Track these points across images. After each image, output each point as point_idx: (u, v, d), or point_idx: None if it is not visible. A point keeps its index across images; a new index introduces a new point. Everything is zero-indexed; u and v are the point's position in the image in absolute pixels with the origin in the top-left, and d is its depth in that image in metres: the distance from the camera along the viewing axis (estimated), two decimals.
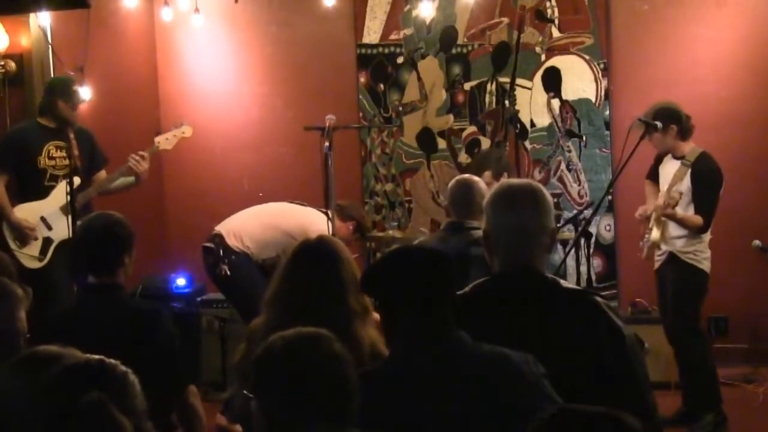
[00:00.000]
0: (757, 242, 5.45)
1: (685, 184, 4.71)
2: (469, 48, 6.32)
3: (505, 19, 6.24)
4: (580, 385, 2.13)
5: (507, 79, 5.98)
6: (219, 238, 5.01)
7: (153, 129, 6.13)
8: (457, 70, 6.35)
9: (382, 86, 6.46)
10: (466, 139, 6.37)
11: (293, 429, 1.81)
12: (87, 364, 1.71)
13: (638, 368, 2.23)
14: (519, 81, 5.95)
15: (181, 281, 6.14)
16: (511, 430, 1.90)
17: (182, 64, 6.76)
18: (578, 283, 4.94)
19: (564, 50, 6.18)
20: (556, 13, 6.17)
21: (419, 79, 6.41)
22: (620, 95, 6.11)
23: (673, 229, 4.75)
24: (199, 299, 5.95)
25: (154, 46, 6.76)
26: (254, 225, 5.07)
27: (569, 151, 6.21)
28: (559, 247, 5.28)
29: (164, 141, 5.25)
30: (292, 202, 5.24)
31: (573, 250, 4.43)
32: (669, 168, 4.82)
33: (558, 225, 4.78)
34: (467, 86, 6.34)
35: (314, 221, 4.92)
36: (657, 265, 4.90)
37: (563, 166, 6.23)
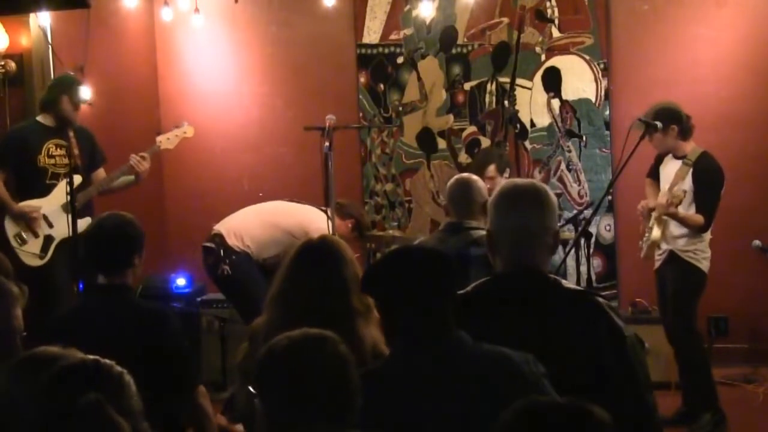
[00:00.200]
0: (757, 242, 5.45)
1: (687, 183, 4.70)
2: (469, 48, 6.32)
3: (505, 19, 6.24)
4: (580, 386, 2.12)
5: (507, 79, 5.98)
6: (219, 238, 5.01)
7: (153, 129, 6.14)
8: (457, 70, 6.35)
9: (382, 86, 6.47)
10: (466, 139, 6.37)
11: (294, 429, 1.81)
12: (83, 365, 1.71)
13: (639, 369, 2.23)
14: (519, 81, 5.95)
15: (181, 281, 6.14)
16: None
17: (182, 64, 6.76)
18: (578, 283, 4.95)
19: (564, 50, 6.18)
20: (556, 13, 6.17)
21: (419, 79, 6.42)
22: (620, 95, 6.11)
23: (674, 229, 4.75)
24: (199, 299, 5.95)
25: (154, 46, 6.76)
26: (254, 224, 5.06)
27: (569, 151, 6.21)
28: (559, 247, 5.28)
29: (165, 141, 5.25)
30: (290, 201, 5.24)
31: (573, 250, 4.44)
32: (670, 168, 4.82)
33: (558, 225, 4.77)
34: (467, 86, 6.34)
35: (314, 219, 4.92)
36: (657, 264, 4.90)
37: (563, 166, 6.23)
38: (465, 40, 6.33)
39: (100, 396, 1.57)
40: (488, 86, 6.31)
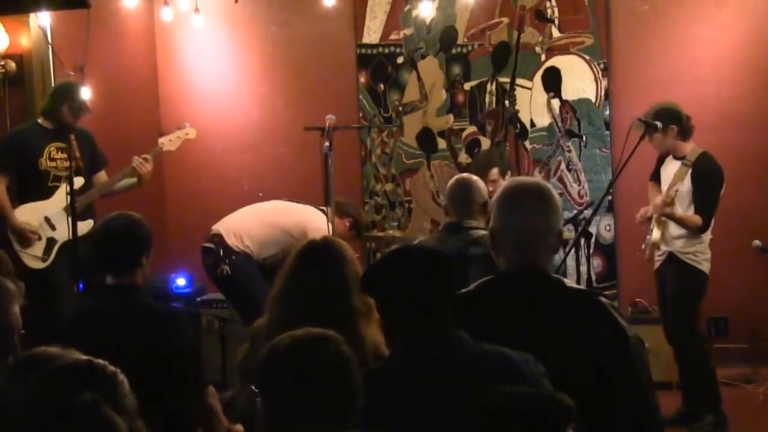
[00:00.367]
0: (757, 242, 5.45)
1: (686, 184, 4.70)
2: (469, 48, 6.32)
3: (505, 19, 6.24)
4: (583, 385, 2.12)
5: (507, 79, 5.98)
6: (218, 238, 5.00)
7: (153, 129, 6.14)
8: (457, 70, 6.35)
9: (382, 86, 6.47)
10: (466, 139, 6.37)
11: (296, 428, 1.81)
12: (77, 365, 1.71)
13: (641, 369, 2.23)
14: (519, 81, 5.95)
15: (181, 281, 6.14)
16: None
17: (182, 64, 6.76)
18: (578, 283, 4.94)
19: (564, 50, 6.18)
20: (556, 13, 6.17)
21: (419, 79, 6.42)
22: (620, 95, 6.11)
23: (674, 230, 4.75)
24: (199, 299, 5.95)
25: (154, 46, 6.76)
26: (253, 224, 5.06)
27: (569, 151, 6.21)
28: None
29: (168, 142, 5.25)
30: (289, 200, 5.24)
31: (573, 250, 4.43)
32: (670, 168, 4.82)
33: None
34: (467, 86, 6.34)
35: (312, 219, 4.92)
36: (657, 265, 4.90)
37: (563, 166, 6.23)
38: (465, 40, 6.33)
39: (96, 395, 1.57)
40: (488, 86, 6.31)
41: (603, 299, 2.28)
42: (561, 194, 6.17)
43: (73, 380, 1.65)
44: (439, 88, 6.39)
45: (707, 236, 4.75)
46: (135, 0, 6.22)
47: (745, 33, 5.90)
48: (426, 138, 6.44)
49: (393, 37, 6.42)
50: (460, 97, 6.36)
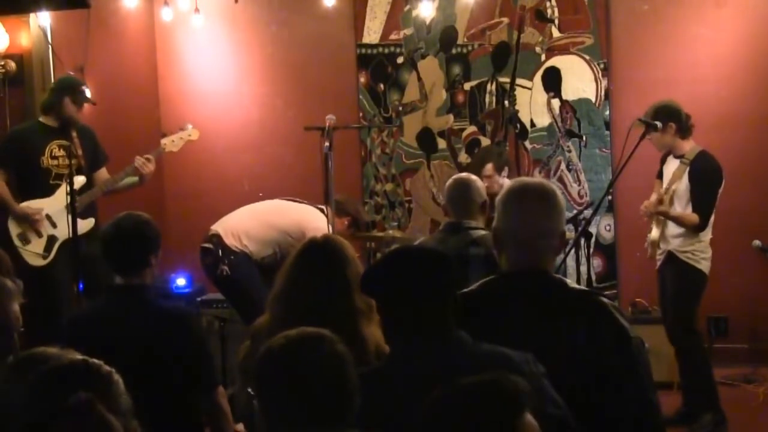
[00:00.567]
0: (757, 242, 5.45)
1: (684, 182, 4.70)
2: (469, 48, 6.32)
3: (505, 19, 6.24)
4: (585, 385, 2.13)
5: (507, 79, 5.98)
6: (217, 238, 5.00)
7: (153, 129, 6.15)
8: (457, 70, 6.35)
9: (382, 86, 6.47)
10: (466, 139, 6.37)
11: (293, 428, 1.81)
12: (71, 365, 1.72)
13: (643, 369, 2.23)
14: (519, 81, 5.96)
15: (181, 281, 6.14)
16: None
17: (182, 64, 6.76)
18: (578, 283, 4.93)
19: (564, 50, 6.18)
20: (556, 13, 6.17)
21: (419, 79, 6.42)
22: (620, 95, 6.11)
23: (672, 228, 4.75)
24: (199, 299, 5.95)
25: (154, 46, 6.76)
26: (251, 224, 5.06)
27: (569, 151, 6.21)
28: None
29: (170, 143, 5.25)
30: (287, 200, 5.23)
31: (573, 250, 4.43)
32: (670, 167, 4.82)
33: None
34: (467, 86, 6.34)
35: (311, 219, 4.92)
36: (658, 264, 4.90)
37: (563, 166, 6.23)
38: (465, 40, 6.33)
39: (91, 395, 1.58)
40: (488, 86, 6.31)
41: (605, 300, 2.28)
42: (561, 194, 6.16)
43: (68, 380, 1.65)
44: (439, 88, 6.39)
45: (707, 235, 4.75)
46: (135, 0, 6.22)
47: (745, 33, 5.90)
48: (426, 138, 6.44)
49: (393, 37, 6.42)
50: (460, 97, 6.36)
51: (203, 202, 6.52)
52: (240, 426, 3.12)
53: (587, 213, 5.33)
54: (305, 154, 5.99)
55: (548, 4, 6.17)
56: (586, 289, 2.51)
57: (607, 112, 6.14)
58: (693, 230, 4.68)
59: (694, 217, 4.65)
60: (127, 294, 3.12)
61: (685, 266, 4.73)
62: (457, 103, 6.37)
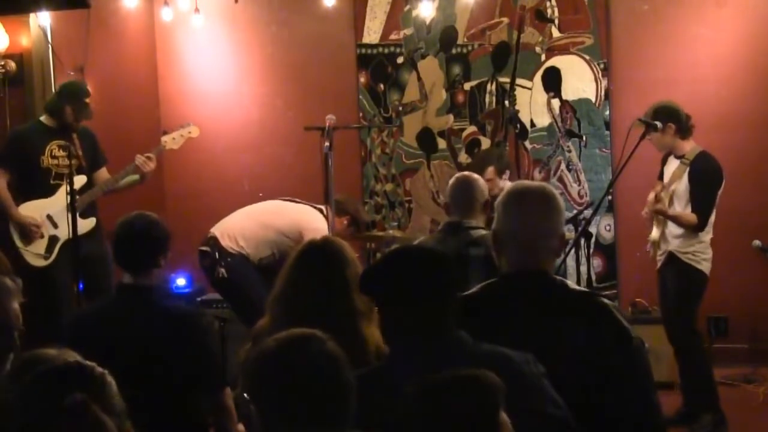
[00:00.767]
0: (757, 242, 5.45)
1: (683, 182, 4.70)
2: (469, 48, 6.32)
3: (505, 19, 6.24)
4: (586, 386, 2.13)
5: (507, 79, 5.98)
6: (214, 241, 5.01)
7: (153, 129, 6.15)
8: (457, 70, 6.35)
9: (382, 86, 6.47)
10: (466, 139, 6.37)
11: (290, 430, 1.80)
12: (65, 366, 1.72)
13: (644, 370, 2.23)
14: (519, 81, 5.95)
15: (181, 281, 6.14)
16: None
17: (182, 64, 6.76)
18: (578, 283, 4.94)
19: (564, 50, 6.18)
20: (556, 13, 6.17)
21: (419, 79, 6.42)
22: (620, 95, 6.11)
23: (672, 229, 4.75)
24: (199, 299, 5.95)
25: (154, 46, 6.76)
26: (247, 225, 5.06)
27: (569, 151, 6.21)
28: None
29: (171, 141, 5.25)
30: (286, 200, 5.23)
31: (573, 250, 4.43)
32: (671, 167, 4.81)
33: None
34: (467, 86, 6.34)
35: (308, 219, 4.92)
36: (658, 265, 4.90)
37: (563, 166, 6.23)
38: (465, 40, 6.33)
39: (85, 396, 1.58)
40: (488, 86, 6.31)
41: (606, 300, 2.29)
42: (561, 194, 6.13)
43: (61, 381, 1.65)
44: (439, 88, 6.39)
45: (707, 236, 4.74)
46: (135, 0, 6.22)
47: (745, 33, 5.90)
48: (426, 138, 6.44)
49: (393, 37, 6.42)
50: (460, 97, 6.36)
51: (203, 202, 6.52)
52: (240, 426, 3.12)
53: (587, 213, 5.32)
54: (305, 154, 5.99)
55: (548, 4, 6.17)
56: (587, 290, 2.52)
57: (607, 112, 6.14)
58: (691, 230, 4.68)
59: (693, 217, 4.65)
60: (136, 293, 3.14)
61: (686, 267, 4.73)
62: (457, 103, 6.37)
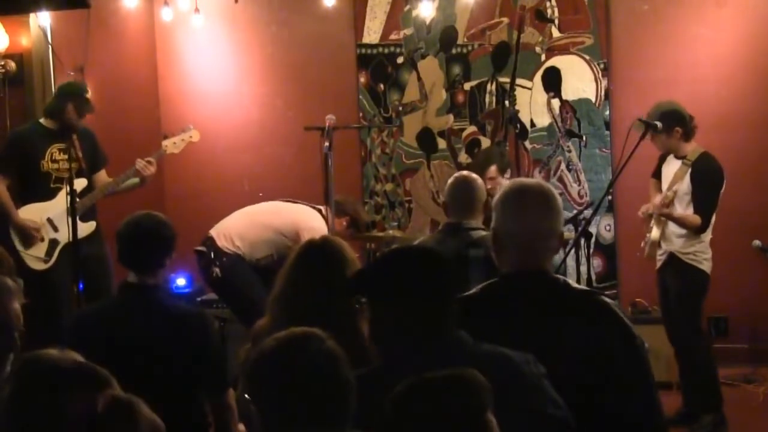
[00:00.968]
0: (757, 242, 5.45)
1: (685, 183, 4.70)
2: (469, 48, 6.32)
3: (505, 19, 6.24)
4: (587, 386, 2.13)
5: (507, 79, 5.98)
6: (210, 241, 5.02)
7: (153, 129, 6.15)
8: (457, 70, 6.35)
9: (382, 86, 6.47)
10: (466, 139, 6.37)
11: (290, 430, 1.80)
12: (64, 368, 1.72)
13: (646, 369, 2.23)
14: (519, 81, 5.95)
15: (181, 281, 6.14)
16: (512, 430, 1.90)
17: (182, 64, 6.76)
18: (578, 283, 4.94)
19: (564, 50, 6.18)
20: (556, 13, 6.17)
21: (419, 79, 6.42)
22: (620, 95, 6.11)
23: (673, 229, 4.75)
24: (199, 299, 5.95)
25: (154, 46, 6.76)
26: (244, 225, 5.06)
27: (569, 151, 6.21)
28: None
29: (172, 145, 5.25)
30: (285, 200, 5.23)
31: (573, 250, 4.43)
32: (671, 167, 4.81)
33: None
34: (467, 86, 6.34)
35: (305, 218, 4.92)
36: (658, 265, 4.90)
37: (563, 166, 6.23)
38: (465, 40, 6.33)
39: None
40: (488, 86, 6.31)
41: (607, 299, 2.29)
42: (561, 194, 6.14)
43: (60, 382, 1.65)
44: (439, 88, 6.39)
45: (707, 236, 4.75)
46: (135, 0, 6.22)
47: (745, 33, 5.90)
48: (426, 138, 6.44)
49: (393, 37, 6.42)
50: (460, 97, 6.36)
51: (203, 202, 6.52)
52: (241, 426, 3.12)
53: (587, 213, 5.32)
54: (305, 154, 5.99)
55: (548, 4, 6.17)
56: (589, 289, 2.51)
57: (607, 112, 6.14)
58: (694, 232, 4.68)
59: (696, 219, 4.65)
60: (140, 292, 3.14)
61: (687, 267, 4.73)
62: (457, 103, 6.37)
